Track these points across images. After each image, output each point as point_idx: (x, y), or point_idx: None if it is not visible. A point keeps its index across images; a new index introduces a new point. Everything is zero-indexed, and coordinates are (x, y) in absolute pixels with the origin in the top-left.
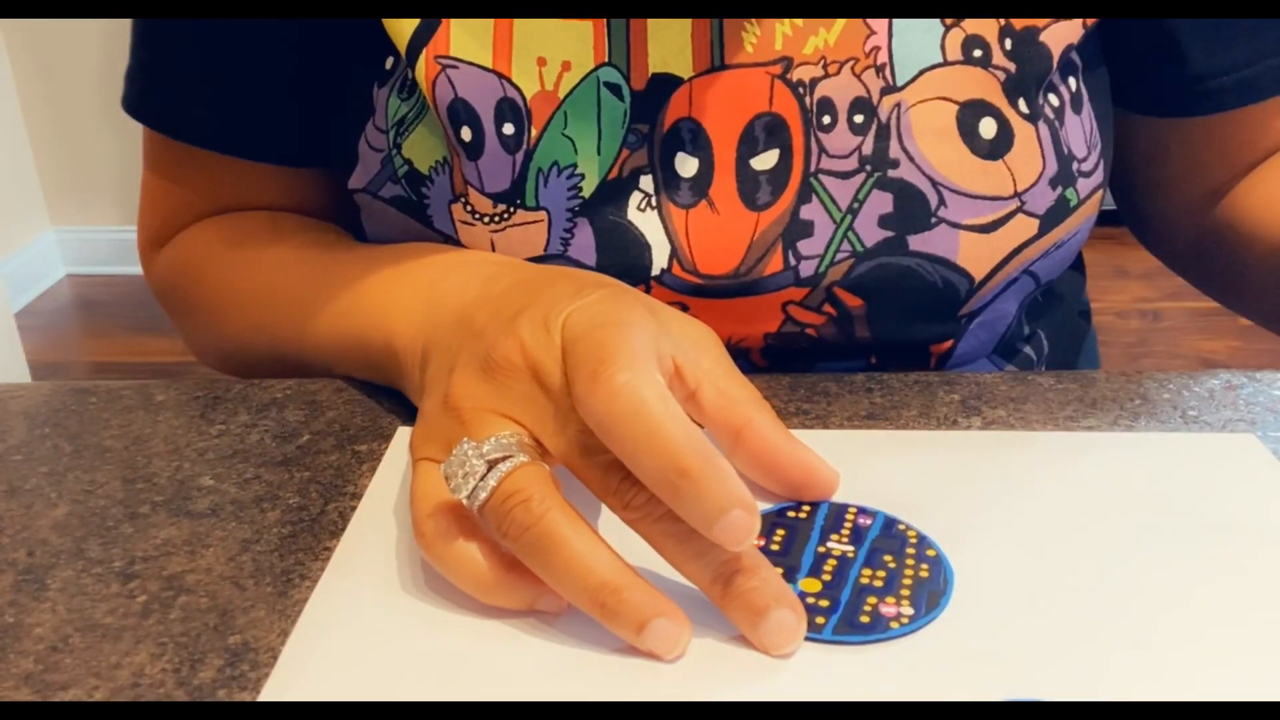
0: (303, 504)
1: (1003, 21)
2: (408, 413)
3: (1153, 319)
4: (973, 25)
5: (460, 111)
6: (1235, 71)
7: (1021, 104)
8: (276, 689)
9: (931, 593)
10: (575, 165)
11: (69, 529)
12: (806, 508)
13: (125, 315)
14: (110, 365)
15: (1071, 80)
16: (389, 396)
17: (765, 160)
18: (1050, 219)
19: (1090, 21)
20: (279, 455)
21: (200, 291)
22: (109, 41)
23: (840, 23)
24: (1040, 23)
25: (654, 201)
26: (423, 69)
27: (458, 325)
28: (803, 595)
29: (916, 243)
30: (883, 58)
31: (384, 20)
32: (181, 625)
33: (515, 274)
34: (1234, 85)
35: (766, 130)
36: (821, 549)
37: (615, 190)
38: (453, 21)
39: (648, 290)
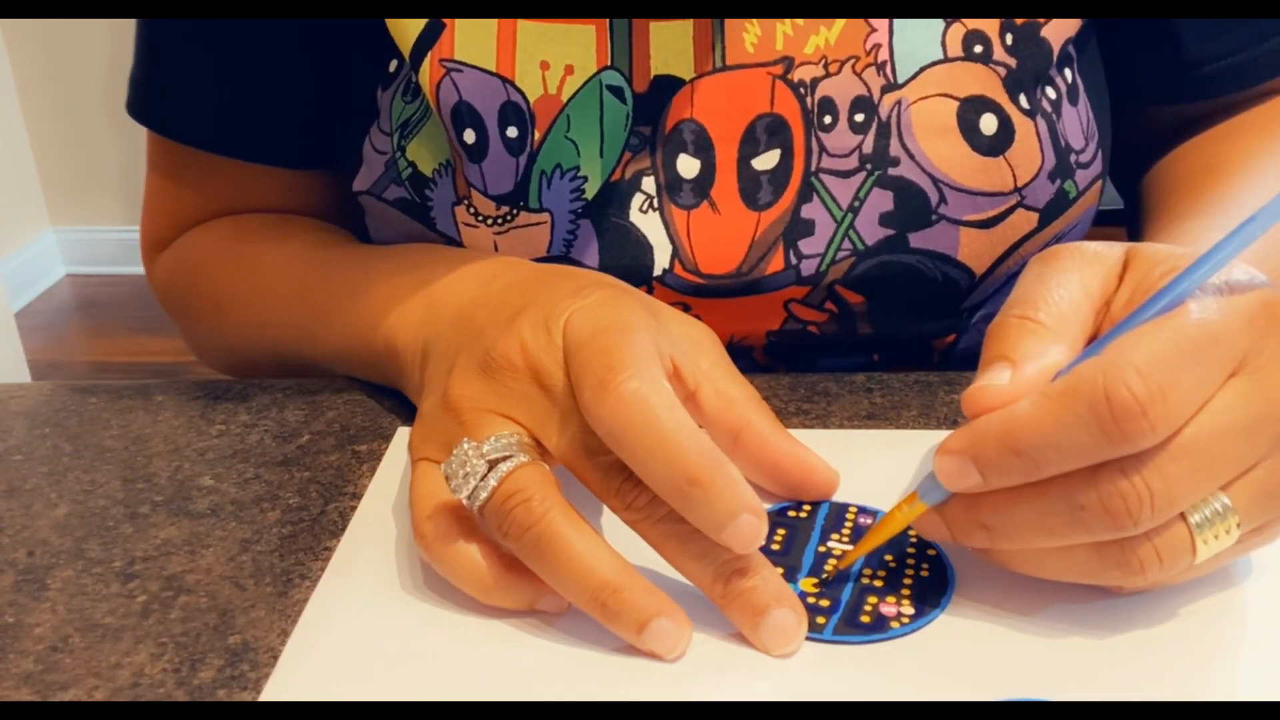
0: (303, 504)
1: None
2: (408, 413)
3: None
4: (974, 21)
5: (464, 114)
6: (1232, 56)
7: (1022, 99)
8: (276, 689)
9: (932, 593)
10: (578, 168)
11: (69, 529)
12: (807, 507)
13: (125, 315)
14: (110, 365)
15: (1067, 72)
16: (389, 396)
17: (766, 160)
18: (1050, 212)
19: None
20: (279, 455)
21: (202, 292)
22: (110, 41)
23: (841, 21)
24: (1041, 18)
25: (656, 203)
26: (427, 72)
27: (457, 324)
28: (803, 595)
29: (917, 240)
30: (883, 55)
31: (388, 23)
32: (181, 625)
33: (514, 272)
34: (1230, 70)
35: (768, 131)
36: (822, 549)
37: (618, 192)
38: (457, 25)
39: (650, 291)
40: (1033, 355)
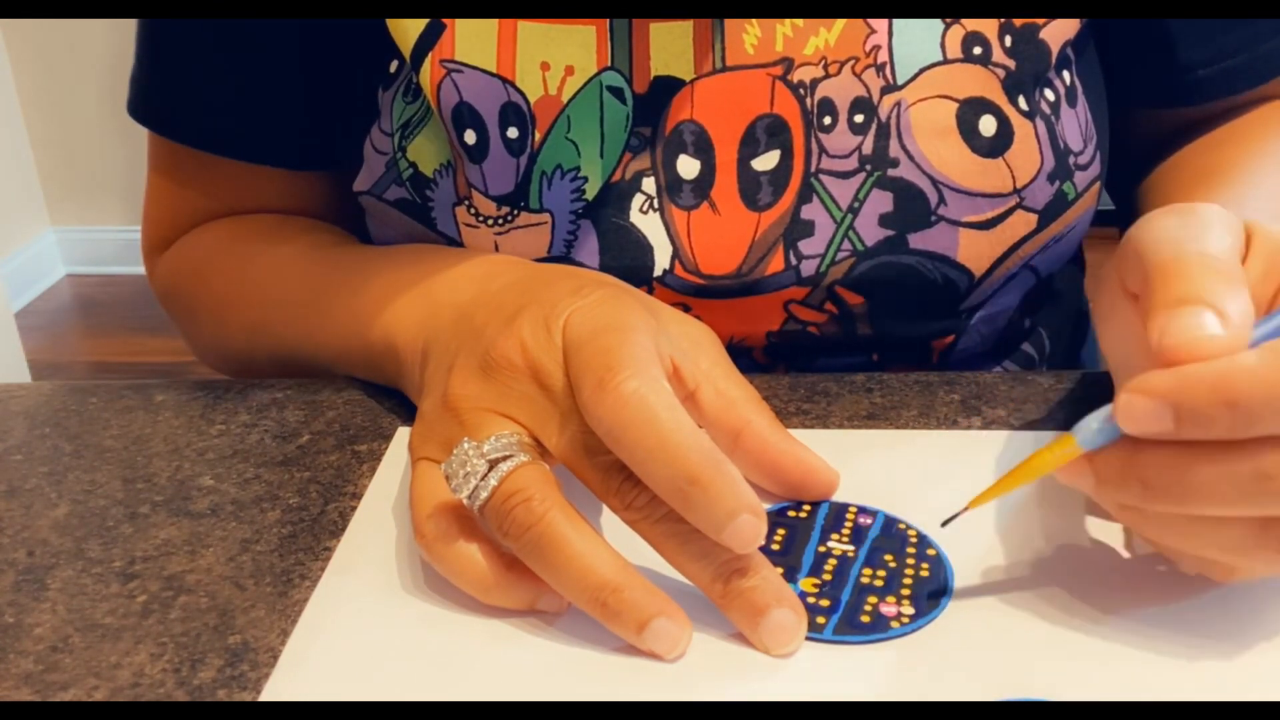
0: (303, 504)
1: (1003, 19)
2: (408, 413)
3: None
4: (973, 23)
5: (465, 115)
6: (1228, 59)
7: (1021, 101)
8: (276, 689)
9: (931, 593)
10: (578, 169)
11: (69, 529)
12: (807, 507)
13: (125, 315)
14: (110, 365)
15: (1066, 74)
16: (389, 396)
17: (766, 161)
18: (1049, 213)
19: None
20: (279, 455)
21: (203, 292)
22: (110, 41)
23: (840, 22)
24: (1040, 20)
25: (656, 204)
26: (427, 73)
27: (457, 324)
28: (803, 595)
29: (917, 241)
30: (883, 56)
31: (389, 23)
32: (181, 625)
33: (514, 272)
34: (1226, 73)
35: (768, 131)
36: (822, 548)
37: (618, 193)
38: (457, 26)
39: (650, 292)
40: (1232, 302)
